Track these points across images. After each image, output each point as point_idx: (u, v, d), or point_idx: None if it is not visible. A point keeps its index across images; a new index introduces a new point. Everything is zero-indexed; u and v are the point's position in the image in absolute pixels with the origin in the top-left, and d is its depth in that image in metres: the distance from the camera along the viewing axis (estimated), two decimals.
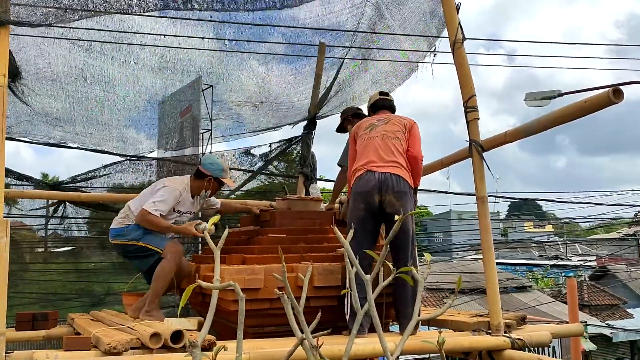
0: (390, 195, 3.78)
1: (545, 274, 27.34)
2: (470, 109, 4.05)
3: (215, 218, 3.18)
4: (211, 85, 8.63)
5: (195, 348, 2.60)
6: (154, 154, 8.23)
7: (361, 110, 5.22)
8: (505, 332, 3.79)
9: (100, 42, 5.54)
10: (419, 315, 2.42)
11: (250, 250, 4.11)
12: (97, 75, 5.87)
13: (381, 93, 4.39)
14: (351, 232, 2.51)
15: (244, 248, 4.23)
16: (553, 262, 27.55)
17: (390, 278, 2.56)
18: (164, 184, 4.40)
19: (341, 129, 5.19)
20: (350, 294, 3.00)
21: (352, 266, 2.89)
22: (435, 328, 4.34)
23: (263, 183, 7.45)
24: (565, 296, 19.82)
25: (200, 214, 5.04)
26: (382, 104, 4.30)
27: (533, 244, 30.71)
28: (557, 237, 32.76)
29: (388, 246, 2.40)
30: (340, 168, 4.83)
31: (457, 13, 4.21)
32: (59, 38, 5.33)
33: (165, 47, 6.30)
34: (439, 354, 3.90)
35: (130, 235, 4.28)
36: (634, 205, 17.86)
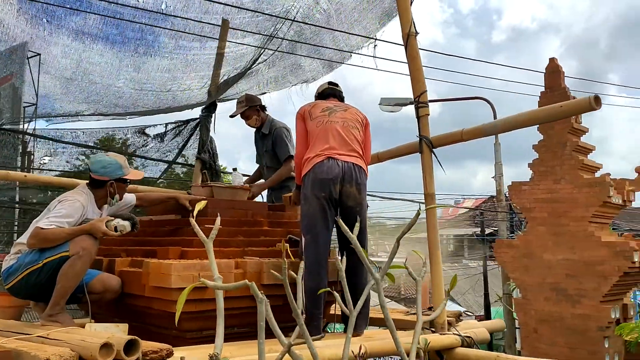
0: (353, 187, 3.56)
1: None
2: (421, 104, 4.00)
3: (202, 203, 2.68)
4: (38, 54, 7.52)
5: None
6: None
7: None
8: (449, 330, 3.82)
9: None
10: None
11: (187, 243, 3.56)
12: None
13: (330, 83, 4.16)
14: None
15: (178, 240, 3.66)
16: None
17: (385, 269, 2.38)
18: (59, 200, 3.58)
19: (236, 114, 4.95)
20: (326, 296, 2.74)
21: (362, 262, 2.64)
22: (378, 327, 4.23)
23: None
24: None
25: None
26: (332, 93, 4.06)
27: None
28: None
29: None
30: (286, 159, 4.72)
31: (410, 5, 4.15)
32: None
33: None
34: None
35: (25, 264, 3.38)
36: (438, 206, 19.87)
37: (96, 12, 4.70)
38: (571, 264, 7.60)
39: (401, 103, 11.80)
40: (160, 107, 6.15)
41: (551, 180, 7.89)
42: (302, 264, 2.78)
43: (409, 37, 4.04)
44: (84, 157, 8.43)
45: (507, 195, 9.41)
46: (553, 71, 8.05)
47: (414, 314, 4.30)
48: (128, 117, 5.84)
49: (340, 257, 3.75)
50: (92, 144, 7.21)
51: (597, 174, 8.00)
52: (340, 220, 2.69)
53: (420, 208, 3.35)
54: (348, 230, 2.79)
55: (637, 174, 8.24)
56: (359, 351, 2.33)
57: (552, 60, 8.10)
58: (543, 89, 8.13)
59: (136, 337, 2.68)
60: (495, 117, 10.84)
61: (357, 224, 2.85)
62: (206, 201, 2.61)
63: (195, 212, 2.57)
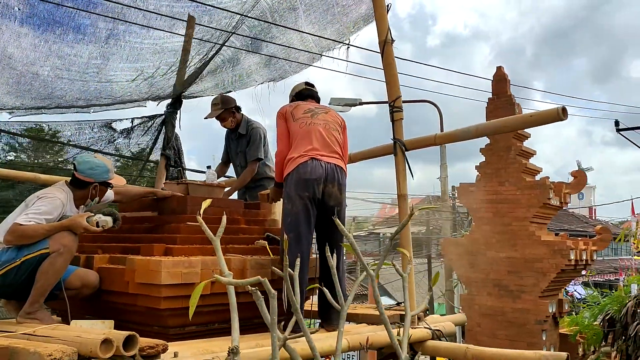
0: (335, 187, 3.69)
1: None
2: (396, 109, 4.17)
3: (207, 202, 2.74)
4: None
5: (237, 355, 2.24)
6: None
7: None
8: (419, 324, 4.02)
9: None
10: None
11: (171, 240, 3.58)
12: None
13: (306, 83, 4.27)
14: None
15: (161, 237, 3.66)
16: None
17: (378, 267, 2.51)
18: (38, 196, 3.50)
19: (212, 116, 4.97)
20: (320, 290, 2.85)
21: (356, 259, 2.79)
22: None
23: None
24: None
25: None
26: (309, 94, 4.17)
27: None
28: None
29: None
30: (253, 161, 4.89)
31: (387, 13, 4.31)
32: None
33: None
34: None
35: (2, 262, 3.29)
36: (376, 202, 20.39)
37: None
38: (513, 261, 8.05)
39: (350, 103, 12.04)
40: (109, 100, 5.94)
41: (496, 182, 8.32)
42: (297, 261, 2.89)
43: (385, 44, 4.20)
44: (8, 149, 8.20)
45: (452, 195, 9.80)
46: (500, 79, 8.48)
47: (386, 309, 4.48)
48: (91, 110, 5.68)
49: (319, 255, 3.87)
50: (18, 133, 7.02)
51: (538, 177, 8.51)
52: (337, 220, 2.83)
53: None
54: (344, 229, 2.93)
55: (573, 177, 8.81)
56: (366, 342, 2.46)
57: (499, 69, 8.54)
58: (478, 92, 8.55)
59: (134, 333, 2.70)
60: (441, 120, 11.29)
61: (352, 223, 2.96)
62: (210, 200, 2.65)
63: (201, 211, 2.62)
